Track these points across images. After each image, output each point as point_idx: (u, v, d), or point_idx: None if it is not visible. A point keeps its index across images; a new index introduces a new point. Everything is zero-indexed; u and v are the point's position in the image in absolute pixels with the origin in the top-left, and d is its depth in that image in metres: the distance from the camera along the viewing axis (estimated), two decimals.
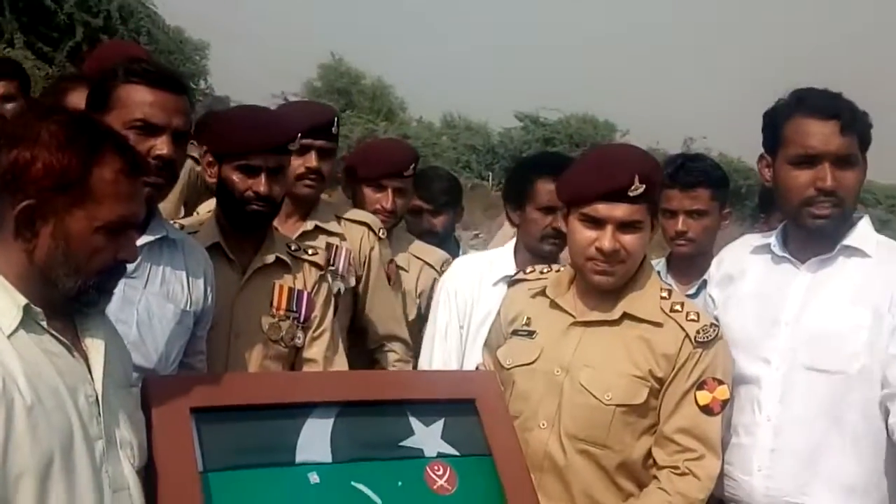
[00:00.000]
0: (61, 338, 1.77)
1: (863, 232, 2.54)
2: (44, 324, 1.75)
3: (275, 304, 2.76)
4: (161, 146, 2.28)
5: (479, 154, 25.12)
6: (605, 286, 2.44)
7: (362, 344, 3.32)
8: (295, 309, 2.79)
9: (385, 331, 3.32)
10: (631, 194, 2.34)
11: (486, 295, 3.16)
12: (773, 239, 2.63)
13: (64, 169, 1.69)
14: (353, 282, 3.25)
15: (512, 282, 2.73)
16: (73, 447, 1.71)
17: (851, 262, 2.51)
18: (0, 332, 1.69)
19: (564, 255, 2.87)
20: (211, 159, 2.74)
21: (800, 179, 2.47)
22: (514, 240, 3.32)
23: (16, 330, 1.71)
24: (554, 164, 3.07)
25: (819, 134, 2.44)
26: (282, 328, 2.76)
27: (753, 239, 2.75)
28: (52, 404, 1.70)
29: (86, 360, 1.81)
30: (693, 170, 3.30)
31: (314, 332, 2.82)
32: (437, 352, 3.22)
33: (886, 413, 2.37)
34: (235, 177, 2.69)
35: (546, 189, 3.08)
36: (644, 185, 2.35)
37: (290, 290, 2.79)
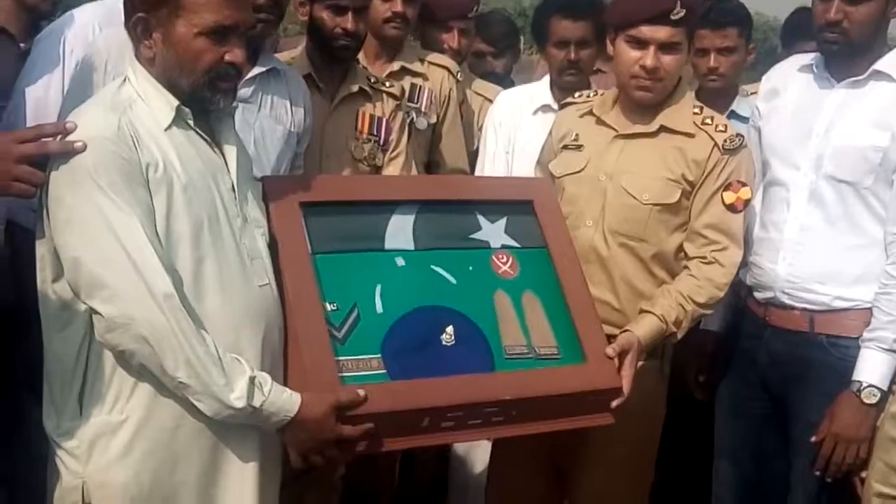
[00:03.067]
0: (204, 135, 2.14)
1: (893, 58, 2.78)
2: (191, 122, 2.10)
3: (359, 128, 3.14)
4: None
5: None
6: (646, 101, 2.73)
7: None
8: (376, 133, 3.16)
9: (453, 164, 3.66)
10: (673, 18, 2.62)
11: (526, 123, 3.47)
12: (815, 60, 2.90)
13: None
14: (434, 119, 3.58)
15: (562, 105, 3.03)
16: (218, 219, 2.09)
17: (880, 86, 2.76)
18: (158, 127, 2.06)
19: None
20: (303, 0, 3.11)
21: (818, 8, 2.76)
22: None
23: (170, 126, 2.06)
24: (564, 3, 3.37)
25: None
26: (365, 149, 3.14)
27: (801, 59, 3.00)
28: (201, 185, 2.07)
29: (223, 156, 2.18)
30: (723, 10, 3.54)
31: (392, 153, 3.19)
32: (487, 173, 3.54)
33: None
34: (325, 15, 3.04)
35: (558, 25, 3.36)
36: (685, 10, 2.62)
37: (372, 116, 3.16)
